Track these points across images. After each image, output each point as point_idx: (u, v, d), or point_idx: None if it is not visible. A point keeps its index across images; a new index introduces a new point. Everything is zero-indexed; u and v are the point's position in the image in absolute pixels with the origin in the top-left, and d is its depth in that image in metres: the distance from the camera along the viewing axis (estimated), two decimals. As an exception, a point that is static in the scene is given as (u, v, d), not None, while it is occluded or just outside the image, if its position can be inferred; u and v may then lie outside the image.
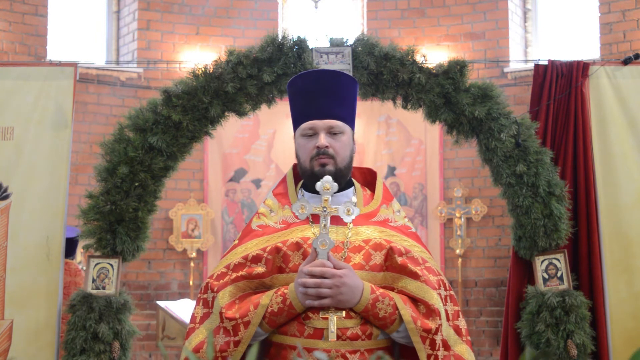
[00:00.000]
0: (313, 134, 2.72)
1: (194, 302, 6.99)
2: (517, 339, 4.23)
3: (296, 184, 2.88)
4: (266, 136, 8.48)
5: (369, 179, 2.94)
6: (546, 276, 4.15)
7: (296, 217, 2.68)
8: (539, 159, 4.17)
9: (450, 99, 4.19)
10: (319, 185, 2.61)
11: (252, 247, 2.70)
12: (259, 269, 2.64)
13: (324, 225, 2.58)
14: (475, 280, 8.29)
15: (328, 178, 2.61)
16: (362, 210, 2.75)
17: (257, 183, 8.43)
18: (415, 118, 4.99)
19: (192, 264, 8.17)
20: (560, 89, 4.43)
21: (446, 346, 2.61)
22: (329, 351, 2.52)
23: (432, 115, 4.26)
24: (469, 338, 2.72)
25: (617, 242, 4.31)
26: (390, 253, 2.65)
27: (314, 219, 2.68)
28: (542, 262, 4.15)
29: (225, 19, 8.53)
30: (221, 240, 8.32)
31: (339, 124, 2.73)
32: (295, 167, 2.91)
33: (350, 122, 2.79)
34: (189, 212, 8.22)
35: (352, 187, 2.83)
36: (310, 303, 2.54)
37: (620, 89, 4.42)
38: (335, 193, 2.65)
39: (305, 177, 2.77)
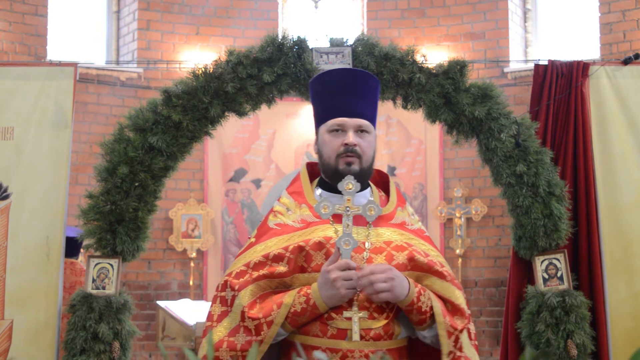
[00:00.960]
0: (341, 130, 2.70)
1: (194, 302, 6.98)
2: (517, 339, 4.22)
3: (310, 183, 2.86)
4: (266, 136, 8.48)
5: (379, 180, 2.92)
6: (546, 276, 4.15)
7: (316, 216, 2.67)
8: (539, 159, 4.17)
9: (450, 99, 4.19)
10: (341, 185, 2.60)
11: (273, 245, 2.68)
12: (281, 268, 2.62)
13: (347, 225, 2.56)
14: (475, 280, 8.29)
15: (350, 177, 2.60)
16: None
17: (257, 183, 8.43)
18: (415, 118, 4.99)
19: (192, 264, 8.17)
20: (560, 89, 4.43)
21: (460, 347, 2.61)
22: (352, 351, 2.52)
23: (432, 115, 4.26)
24: (476, 342, 2.72)
25: (617, 242, 4.31)
26: (413, 255, 2.64)
27: (334, 217, 2.66)
28: (542, 262, 4.15)
29: (225, 19, 8.53)
30: (221, 240, 8.32)
31: (367, 123, 2.73)
32: (308, 166, 2.89)
33: (374, 123, 2.79)
34: (189, 212, 8.22)
35: (369, 188, 2.82)
36: (378, 297, 2.52)
37: (620, 89, 4.42)
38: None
39: (327, 174, 2.75)
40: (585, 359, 4.08)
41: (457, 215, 8.27)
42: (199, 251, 8.25)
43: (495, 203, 8.10)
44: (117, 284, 4.10)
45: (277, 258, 2.64)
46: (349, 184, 2.59)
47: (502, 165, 4.17)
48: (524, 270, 4.30)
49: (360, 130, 2.71)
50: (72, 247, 4.51)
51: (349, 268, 2.52)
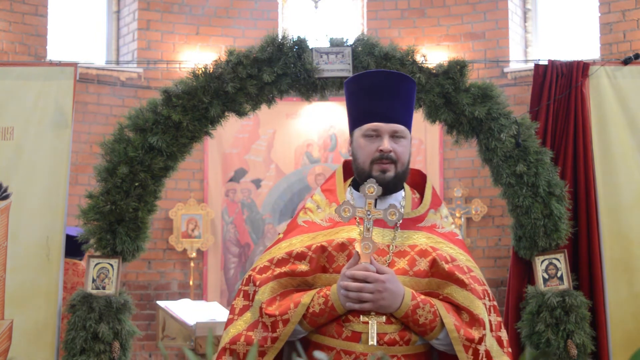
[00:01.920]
0: (376, 135, 2.68)
1: (194, 302, 6.98)
2: (517, 339, 4.22)
3: (345, 181, 2.85)
4: (266, 136, 8.48)
5: (417, 180, 2.90)
6: (546, 276, 4.15)
7: None
8: (539, 159, 4.17)
9: (450, 99, 4.19)
10: (362, 189, 2.58)
11: (297, 243, 2.68)
12: (303, 267, 2.62)
13: (368, 229, 2.55)
14: (475, 280, 8.28)
15: (372, 181, 2.58)
16: (410, 214, 2.72)
17: (257, 183, 8.43)
18: (415, 118, 4.98)
19: (192, 264, 8.17)
20: (560, 89, 4.43)
21: (489, 357, 2.58)
22: (365, 355, 2.51)
23: (432, 115, 4.26)
24: (509, 350, 2.68)
25: (617, 242, 4.31)
26: (436, 260, 2.62)
27: (361, 219, 2.64)
28: (542, 262, 4.15)
29: (225, 19, 8.53)
30: (221, 240, 8.32)
31: (402, 128, 2.71)
32: (345, 164, 2.88)
33: (410, 126, 2.77)
34: (189, 212, 8.22)
35: (402, 190, 2.80)
36: (350, 306, 2.53)
37: (620, 89, 4.42)
38: (385, 195, 2.63)
39: (361, 179, 2.72)
40: (585, 359, 4.08)
41: (457, 215, 8.27)
42: (199, 251, 8.25)
43: (495, 203, 8.09)
44: (117, 284, 4.10)
45: (300, 256, 2.64)
46: (370, 187, 2.58)
47: (502, 165, 4.17)
48: (524, 270, 4.30)
49: (395, 136, 2.69)
50: (76, 247, 4.50)
51: (366, 274, 2.51)
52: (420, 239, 2.68)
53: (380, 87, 2.72)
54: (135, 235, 4.13)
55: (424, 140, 8.45)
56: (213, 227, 8.31)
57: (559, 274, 4.13)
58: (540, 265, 4.15)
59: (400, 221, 2.64)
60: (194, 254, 8.19)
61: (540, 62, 4.53)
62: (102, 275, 4.10)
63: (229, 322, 2.67)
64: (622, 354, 4.18)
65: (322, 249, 2.63)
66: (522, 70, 8.12)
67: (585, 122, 4.38)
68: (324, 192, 2.83)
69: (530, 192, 4.14)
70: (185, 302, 6.82)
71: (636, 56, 4.46)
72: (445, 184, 8.41)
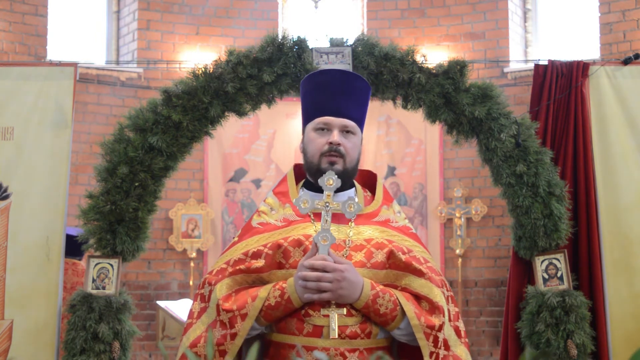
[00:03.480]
0: (326, 129, 2.71)
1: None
2: (517, 339, 4.22)
3: (297, 184, 2.87)
4: (266, 136, 8.48)
5: (367, 181, 2.93)
6: (546, 276, 4.14)
7: (298, 214, 2.68)
8: (539, 159, 4.17)
9: (450, 99, 4.19)
10: (321, 181, 2.60)
11: (253, 243, 2.69)
12: (258, 263, 2.63)
13: (326, 221, 2.56)
14: (475, 280, 8.29)
15: (331, 173, 2.60)
16: (363, 210, 2.74)
17: (257, 183, 8.43)
18: (415, 118, 4.99)
19: (192, 264, 8.17)
20: (560, 89, 4.42)
21: (446, 346, 2.59)
22: (328, 349, 2.51)
23: (432, 115, 4.26)
24: (466, 340, 2.71)
25: (617, 242, 4.31)
26: (392, 252, 2.64)
27: (316, 217, 2.68)
28: (542, 262, 4.15)
29: (225, 19, 8.53)
30: (221, 240, 8.32)
31: (352, 124, 2.74)
32: (296, 167, 2.90)
33: (362, 126, 2.80)
34: (189, 212, 8.22)
35: (354, 188, 2.83)
36: (309, 297, 2.53)
37: (620, 89, 4.42)
38: (336, 192, 2.64)
39: (310, 173, 2.76)
40: (585, 359, 4.08)
41: (457, 215, 8.27)
42: (199, 251, 8.25)
43: (495, 203, 8.10)
44: (117, 284, 4.10)
45: (256, 255, 2.65)
46: (329, 179, 2.60)
47: (502, 165, 4.17)
48: (524, 270, 4.29)
49: (345, 131, 2.72)
50: (76, 247, 4.50)
51: (324, 264, 2.52)
52: (375, 232, 2.70)
53: (333, 83, 2.75)
54: (135, 235, 4.13)
55: (424, 140, 8.45)
56: (213, 227, 8.31)
57: (559, 274, 4.13)
58: (540, 265, 4.15)
59: (357, 212, 2.65)
60: (194, 254, 8.19)
61: (540, 62, 4.53)
62: (102, 275, 4.10)
63: (188, 326, 2.67)
64: (622, 354, 4.18)
65: (278, 245, 2.64)
66: (522, 70, 8.13)
67: (585, 122, 4.38)
68: (276, 195, 2.84)
69: (530, 192, 4.14)
70: (185, 302, 6.82)
71: (636, 56, 4.45)
72: (445, 184, 8.41)
